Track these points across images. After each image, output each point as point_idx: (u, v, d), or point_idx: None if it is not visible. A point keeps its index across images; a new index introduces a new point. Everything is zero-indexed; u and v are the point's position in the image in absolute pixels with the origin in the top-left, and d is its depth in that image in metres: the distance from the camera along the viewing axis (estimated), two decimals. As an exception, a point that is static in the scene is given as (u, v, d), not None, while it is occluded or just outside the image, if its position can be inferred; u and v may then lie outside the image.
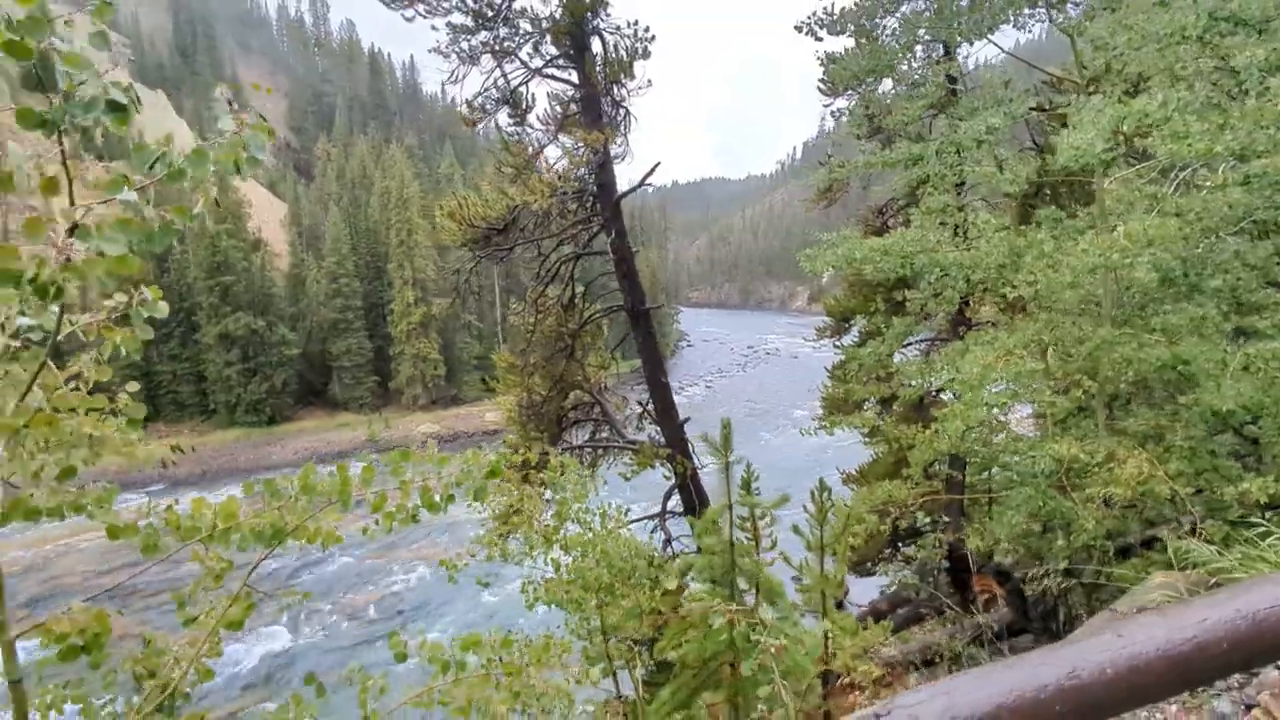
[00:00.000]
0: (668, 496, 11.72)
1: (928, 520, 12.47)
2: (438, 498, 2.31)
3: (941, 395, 9.64)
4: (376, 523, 2.33)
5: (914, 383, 8.60)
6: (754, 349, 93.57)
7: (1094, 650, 1.09)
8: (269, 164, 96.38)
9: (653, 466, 10.66)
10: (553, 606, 6.98)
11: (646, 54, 9.27)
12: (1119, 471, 5.72)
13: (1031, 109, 7.32)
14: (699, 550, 6.00)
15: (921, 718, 1.02)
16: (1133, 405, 7.59)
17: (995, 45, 7.11)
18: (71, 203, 1.57)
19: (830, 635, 5.96)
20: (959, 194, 8.02)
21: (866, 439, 17.09)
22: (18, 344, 1.67)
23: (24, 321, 1.62)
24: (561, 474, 6.26)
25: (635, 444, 11.77)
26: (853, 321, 15.90)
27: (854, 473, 16.70)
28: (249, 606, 2.22)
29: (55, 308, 1.62)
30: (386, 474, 2.29)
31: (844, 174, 11.06)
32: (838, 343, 16.64)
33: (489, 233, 10.98)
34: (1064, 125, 7.21)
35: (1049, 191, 8.26)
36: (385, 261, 66.08)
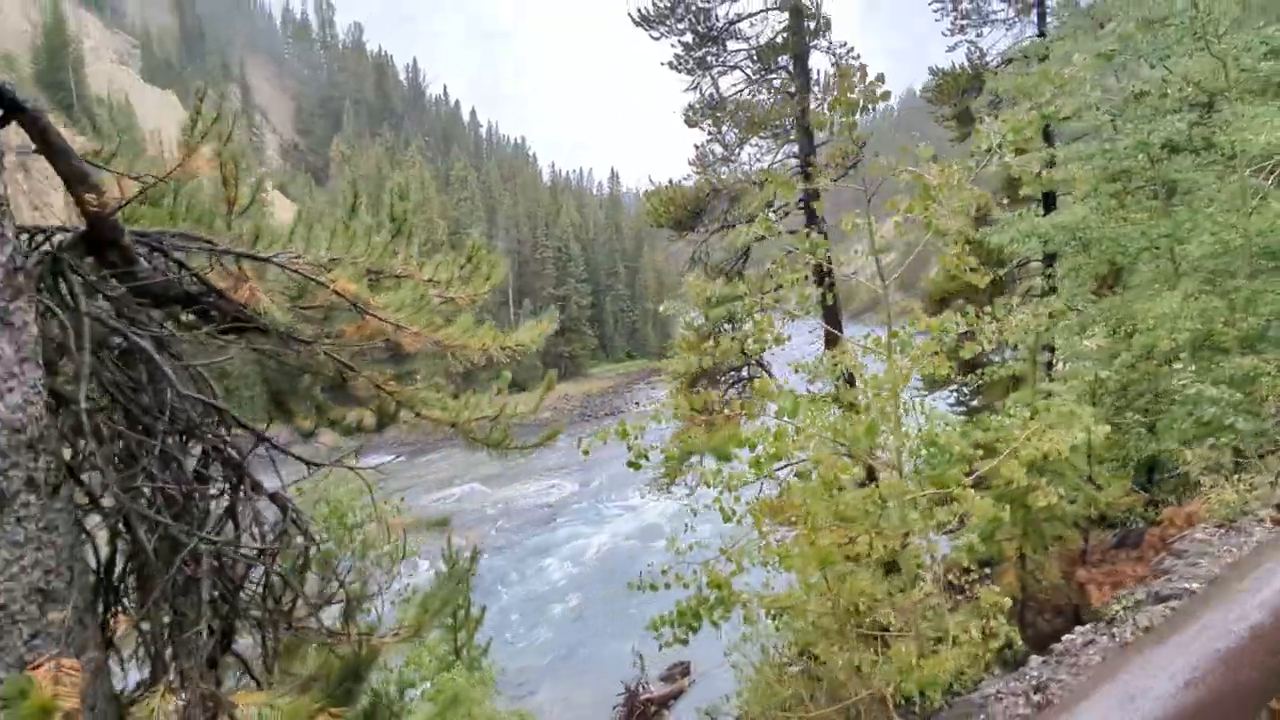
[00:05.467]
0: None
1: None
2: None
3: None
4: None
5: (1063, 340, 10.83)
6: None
7: None
8: (276, 165, 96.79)
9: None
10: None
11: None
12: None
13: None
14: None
15: None
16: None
17: (1165, 68, 9.36)
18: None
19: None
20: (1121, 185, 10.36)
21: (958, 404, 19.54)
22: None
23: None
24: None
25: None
26: (950, 303, 18.12)
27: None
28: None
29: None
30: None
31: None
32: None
33: (683, 215, 13.11)
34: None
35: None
36: (407, 261, 66.95)
